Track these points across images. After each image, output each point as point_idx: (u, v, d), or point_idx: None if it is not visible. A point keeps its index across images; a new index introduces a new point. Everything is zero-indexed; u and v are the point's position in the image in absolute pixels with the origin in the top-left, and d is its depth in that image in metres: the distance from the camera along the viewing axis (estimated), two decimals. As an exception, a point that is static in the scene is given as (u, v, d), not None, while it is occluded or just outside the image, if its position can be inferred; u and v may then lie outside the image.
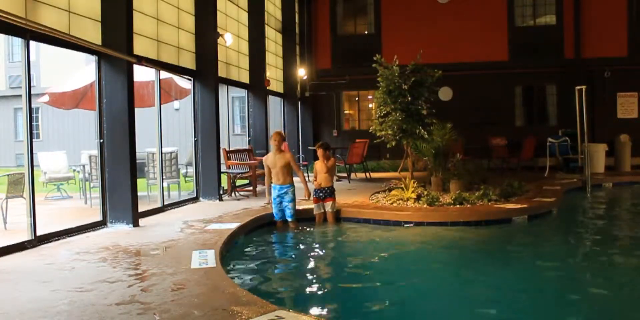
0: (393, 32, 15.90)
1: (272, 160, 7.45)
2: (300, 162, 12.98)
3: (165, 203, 8.44)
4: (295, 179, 7.68)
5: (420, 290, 4.92)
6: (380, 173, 14.23)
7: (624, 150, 13.96)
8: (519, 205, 8.01)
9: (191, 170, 10.16)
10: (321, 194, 7.75)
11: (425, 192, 8.73)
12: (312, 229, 7.42)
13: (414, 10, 15.83)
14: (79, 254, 5.40)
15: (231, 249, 6.04)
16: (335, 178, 9.52)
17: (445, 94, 15.10)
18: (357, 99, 17.06)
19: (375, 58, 9.45)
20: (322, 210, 7.73)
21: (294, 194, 7.50)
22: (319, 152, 7.90)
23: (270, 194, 7.55)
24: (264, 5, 12.83)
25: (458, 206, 8.05)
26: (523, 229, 7.50)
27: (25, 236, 5.68)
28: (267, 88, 12.61)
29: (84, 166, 9.46)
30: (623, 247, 6.80)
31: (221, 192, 9.52)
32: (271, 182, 7.54)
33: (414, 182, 8.88)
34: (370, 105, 16.71)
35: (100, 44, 6.77)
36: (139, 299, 3.90)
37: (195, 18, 9.46)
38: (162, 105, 8.48)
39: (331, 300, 4.65)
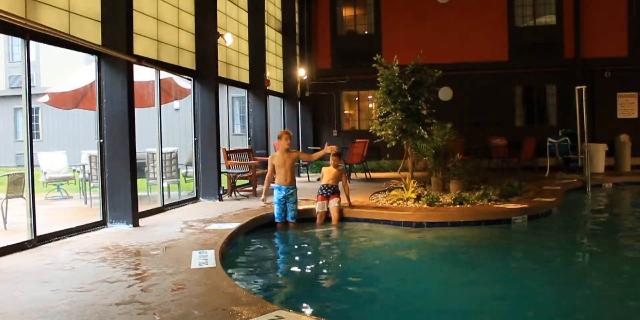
0: (393, 32, 15.91)
1: (281, 159, 7.36)
2: (300, 162, 12.97)
3: (165, 203, 8.44)
4: (297, 179, 7.68)
5: (420, 290, 4.93)
6: (380, 173, 14.24)
7: (624, 150, 13.96)
8: (519, 206, 8.01)
9: (191, 170, 10.16)
10: (327, 192, 7.75)
11: (425, 192, 8.72)
12: (312, 229, 7.41)
13: (414, 10, 15.84)
14: (79, 254, 5.40)
15: (231, 249, 6.04)
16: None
17: (445, 94, 15.11)
18: (357, 99, 17.05)
19: (375, 58, 9.45)
20: (325, 209, 7.72)
21: (297, 196, 7.52)
22: (334, 160, 7.90)
23: (266, 193, 7.52)
24: (264, 5, 12.83)
25: (458, 206, 8.05)
26: (523, 229, 7.50)
27: (25, 236, 5.68)
28: (267, 88, 12.60)
29: (84, 166, 9.45)
30: (623, 247, 6.79)
31: (221, 192, 9.52)
32: (272, 183, 7.54)
33: (414, 182, 8.88)
34: (370, 105, 16.70)
35: (100, 44, 6.77)
36: (139, 299, 3.90)
37: (195, 18, 9.46)
38: (162, 105, 8.48)
39: (331, 300, 4.64)
